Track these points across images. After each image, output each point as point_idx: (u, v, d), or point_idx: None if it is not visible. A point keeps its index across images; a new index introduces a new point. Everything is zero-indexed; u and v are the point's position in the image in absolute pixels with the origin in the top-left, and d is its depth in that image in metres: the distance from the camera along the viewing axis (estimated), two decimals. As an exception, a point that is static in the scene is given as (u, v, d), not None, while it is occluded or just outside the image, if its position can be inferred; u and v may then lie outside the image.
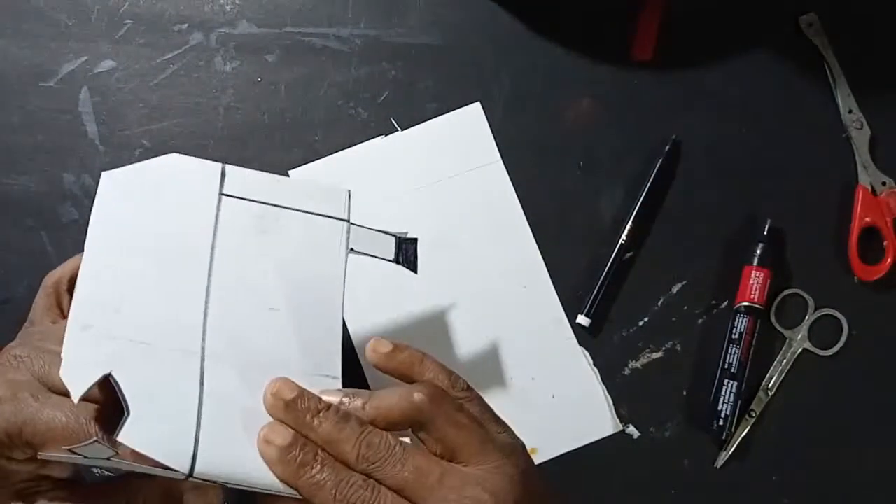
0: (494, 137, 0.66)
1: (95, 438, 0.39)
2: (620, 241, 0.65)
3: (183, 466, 0.39)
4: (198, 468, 0.39)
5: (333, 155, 0.66)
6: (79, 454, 0.39)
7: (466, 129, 0.66)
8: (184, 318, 0.44)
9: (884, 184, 0.66)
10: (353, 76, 0.66)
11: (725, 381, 0.63)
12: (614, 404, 0.64)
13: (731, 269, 0.65)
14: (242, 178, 0.48)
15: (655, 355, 0.65)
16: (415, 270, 0.52)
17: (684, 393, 0.65)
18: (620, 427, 0.64)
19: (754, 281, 0.64)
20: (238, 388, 0.43)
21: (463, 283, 0.65)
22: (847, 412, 0.65)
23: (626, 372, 0.65)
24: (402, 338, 0.63)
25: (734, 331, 0.64)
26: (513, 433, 0.45)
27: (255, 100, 0.66)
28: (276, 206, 0.48)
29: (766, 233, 0.65)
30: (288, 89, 0.66)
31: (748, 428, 0.65)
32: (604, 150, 0.67)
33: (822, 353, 0.65)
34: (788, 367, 0.65)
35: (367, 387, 0.60)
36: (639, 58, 0.67)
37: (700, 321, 0.66)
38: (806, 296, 0.66)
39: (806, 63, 0.67)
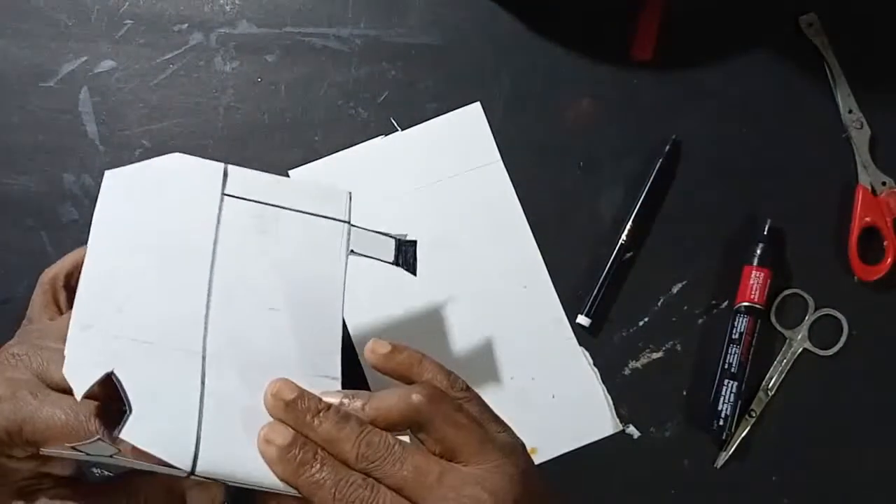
0: (494, 137, 0.66)
1: (99, 436, 0.39)
2: (620, 241, 0.65)
3: (185, 464, 0.39)
4: (199, 466, 0.40)
5: (333, 155, 0.66)
6: (81, 451, 0.39)
7: (466, 129, 0.66)
8: (185, 317, 0.44)
9: (884, 184, 0.66)
10: (353, 76, 0.66)
11: (725, 381, 0.63)
12: (614, 404, 0.64)
13: (731, 269, 0.65)
14: (244, 179, 0.48)
15: (655, 355, 0.65)
16: (414, 273, 0.53)
17: (684, 393, 0.65)
18: (620, 427, 0.64)
19: (754, 281, 0.64)
20: (239, 388, 0.43)
21: (463, 283, 0.65)
22: (847, 412, 0.65)
23: (626, 372, 0.65)
24: (402, 337, 0.63)
25: (734, 331, 0.64)
26: (512, 433, 0.45)
27: (255, 100, 0.66)
28: (277, 206, 0.48)
29: (766, 233, 0.65)
30: (288, 89, 0.66)
31: (748, 428, 0.64)
32: (604, 150, 0.67)
33: (822, 353, 0.65)
34: (788, 367, 0.65)
35: (367, 386, 0.60)
36: (639, 58, 0.67)
37: (700, 321, 0.66)
38: (806, 296, 0.66)
39: (806, 63, 0.67)
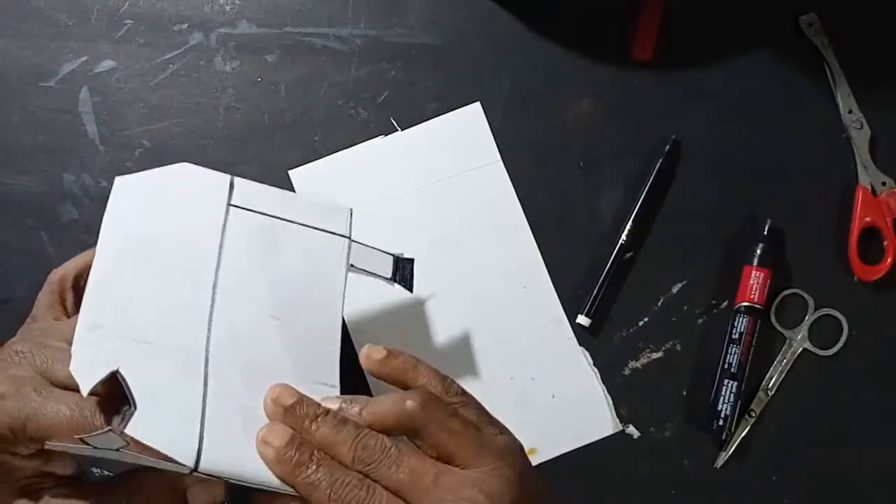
0: (494, 137, 0.66)
1: (109, 427, 0.40)
2: (620, 241, 0.65)
3: (189, 460, 0.40)
4: (202, 463, 0.40)
5: (333, 155, 0.66)
6: (89, 444, 0.40)
7: (466, 129, 0.66)
8: (189, 320, 0.45)
9: (884, 184, 0.66)
10: (353, 76, 0.67)
11: (725, 381, 0.63)
12: (614, 404, 0.64)
13: (731, 269, 0.65)
14: (250, 191, 0.50)
15: (655, 355, 0.65)
16: (410, 290, 0.55)
17: (684, 393, 0.65)
18: (620, 427, 0.64)
19: (754, 281, 0.64)
20: (240, 389, 0.44)
21: (463, 283, 0.65)
22: (847, 412, 0.65)
23: (626, 372, 0.65)
24: (402, 337, 0.64)
25: (734, 331, 0.64)
26: (510, 435, 0.45)
27: (255, 100, 0.66)
28: (281, 219, 0.50)
29: (766, 233, 0.65)
30: (288, 89, 0.66)
31: (748, 428, 0.65)
32: (604, 150, 0.67)
33: (822, 353, 0.65)
34: (788, 367, 0.65)
35: (367, 388, 0.60)
36: (639, 58, 0.67)
37: (700, 321, 0.66)
38: (806, 296, 0.66)
39: (806, 63, 0.67)
